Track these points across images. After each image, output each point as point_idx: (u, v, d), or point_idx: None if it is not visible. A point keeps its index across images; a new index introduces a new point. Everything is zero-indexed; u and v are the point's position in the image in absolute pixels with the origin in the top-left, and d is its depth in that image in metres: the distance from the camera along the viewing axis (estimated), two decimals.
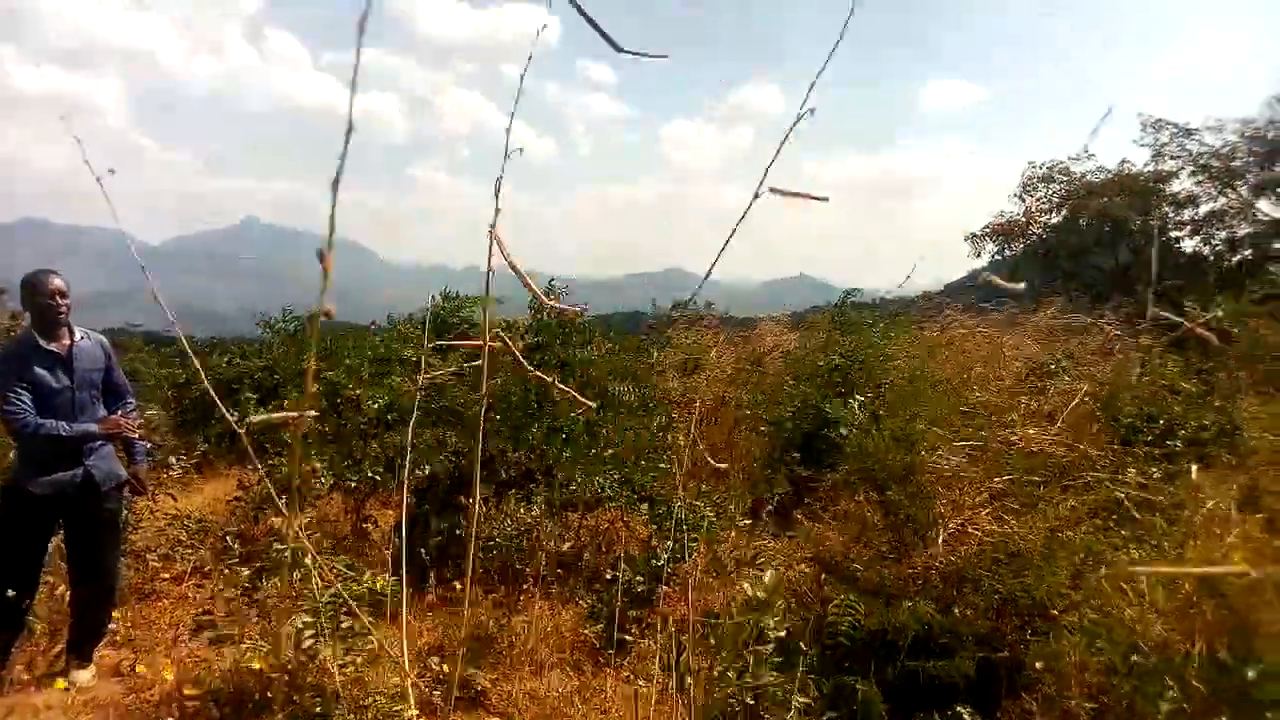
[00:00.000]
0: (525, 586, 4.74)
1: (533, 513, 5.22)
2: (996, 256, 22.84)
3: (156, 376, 13.49)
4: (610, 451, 6.05)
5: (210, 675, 3.72)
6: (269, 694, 3.46)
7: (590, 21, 1.05)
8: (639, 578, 4.74)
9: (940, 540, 3.94)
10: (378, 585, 3.78)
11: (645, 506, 5.80)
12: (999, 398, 6.08)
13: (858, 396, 6.66)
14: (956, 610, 3.61)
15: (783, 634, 2.90)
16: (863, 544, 4.23)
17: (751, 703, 3.01)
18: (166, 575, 5.37)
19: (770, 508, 6.72)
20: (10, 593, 3.91)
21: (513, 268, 1.54)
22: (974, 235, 22.74)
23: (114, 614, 4.47)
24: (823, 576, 4.15)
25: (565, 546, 5.31)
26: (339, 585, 3.66)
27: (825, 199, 1.34)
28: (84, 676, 4.11)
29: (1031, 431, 4.83)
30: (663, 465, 6.12)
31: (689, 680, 3.32)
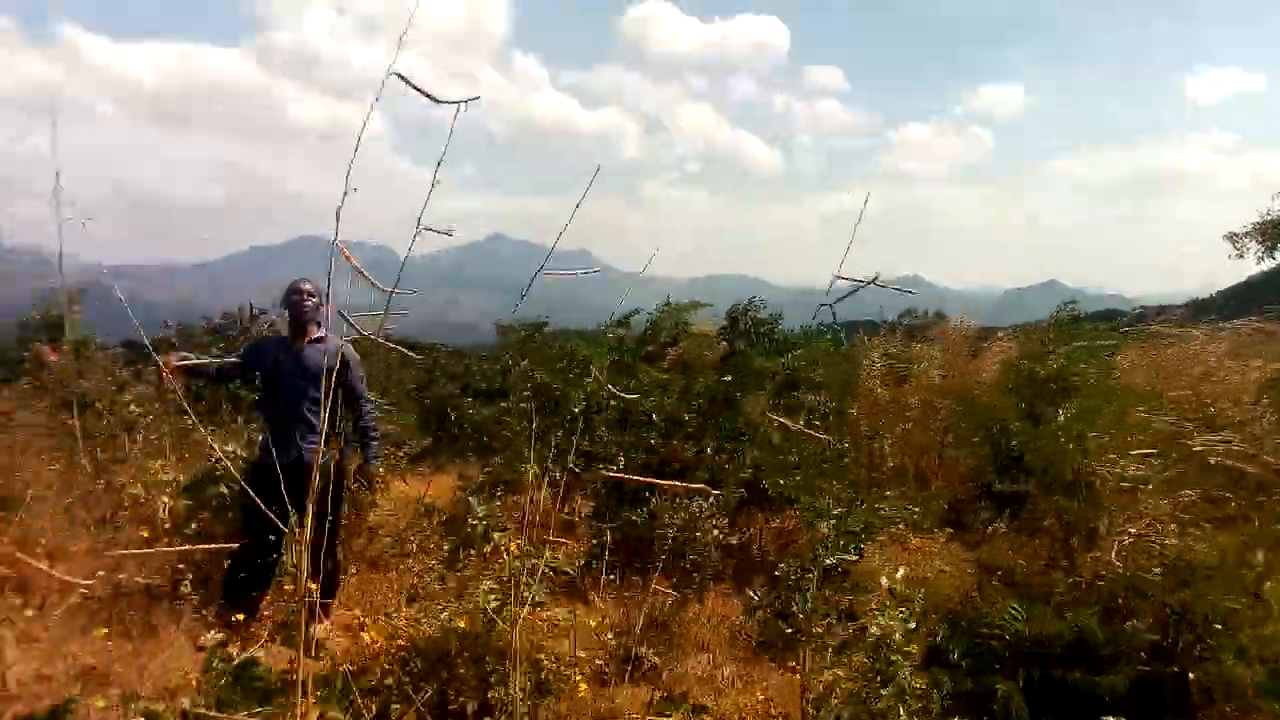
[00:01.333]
0: (696, 576, 5.01)
1: (708, 508, 5.45)
2: (1263, 257, 20.49)
3: (403, 378, 14.94)
4: (798, 456, 6.19)
5: (416, 634, 4.27)
6: (462, 652, 3.94)
7: (407, 81, 1.31)
8: (807, 574, 4.87)
9: (1114, 550, 3.82)
10: (559, 562, 4.21)
11: (828, 507, 5.89)
12: (1203, 410, 5.68)
13: (1059, 408, 6.43)
14: (1123, 622, 3.51)
15: (911, 626, 2.99)
16: (1032, 551, 4.16)
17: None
18: (394, 550, 6.08)
19: (972, 516, 6.61)
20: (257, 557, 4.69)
21: (360, 272, 1.82)
22: (1234, 235, 20.53)
23: (341, 579, 5.17)
24: (985, 581, 4.12)
25: (733, 540, 5.52)
26: (522, 560, 4.12)
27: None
28: (320, 629, 4.82)
29: (1224, 443, 4.52)
30: (844, 472, 6.18)
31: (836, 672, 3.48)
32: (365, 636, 4.50)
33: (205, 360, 5.23)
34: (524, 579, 3.99)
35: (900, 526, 6.17)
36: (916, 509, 6.00)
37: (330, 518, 4.99)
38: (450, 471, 10.54)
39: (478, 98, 1.42)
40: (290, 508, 4.76)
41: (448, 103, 1.38)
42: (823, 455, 6.53)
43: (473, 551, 4.35)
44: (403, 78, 1.27)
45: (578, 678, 3.84)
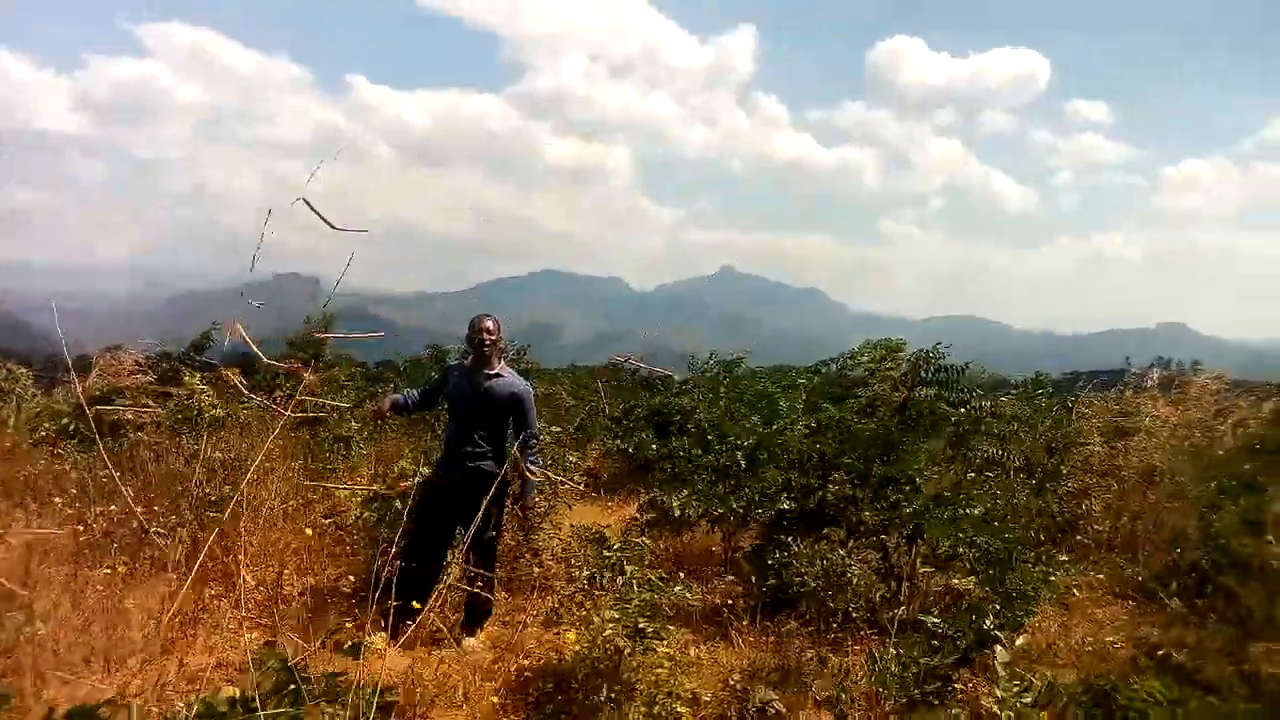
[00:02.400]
0: (834, 626, 4.86)
1: (848, 557, 5.27)
2: None
3: (610, 405, 15.49)
4: (969, 511, 5.88)
5: (548, 654, 4.46)
6: (581, 677, 4.07)
7: (310, 206, 1.39)
8: (960, 634, 4.60)
9: None
10: (682, 598, 4.26)
11: (990, 571, 5.54)
12: None
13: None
14: None
15: (1027, 701, 2.78)
16: (1203, 636, 3.71)
17: None
18: (551, 573, 6.31)
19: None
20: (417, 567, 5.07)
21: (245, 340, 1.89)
22: None
23: (493, 597, 5.44)
24: (1141, 658, 3.72)
25: (880, 594, 5.29)
26: (646, 593, 4.20)
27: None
28: (469, 643, 5.11)
29: None
30: (1013, 529, 5.77)
31: None
32: (494, 654, 4.75)
33: (405, 401, 5.76)
34: (644, 613, 4.07)
35: (1076, 593, 5.69)
36: (1101, 575, 5.52)
37: (490, 534, 5.32)
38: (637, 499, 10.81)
39: (365, 230, 1.56)
40: (453, 521, 5.13)
41: (343, 229, 1.52)
42: (997, 511, 6.16)
43: (607, 581, 4.47)
44: (307, 202, 1.41)
45: (688, 717, 3.84)
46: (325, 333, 12.82)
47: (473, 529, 5.16)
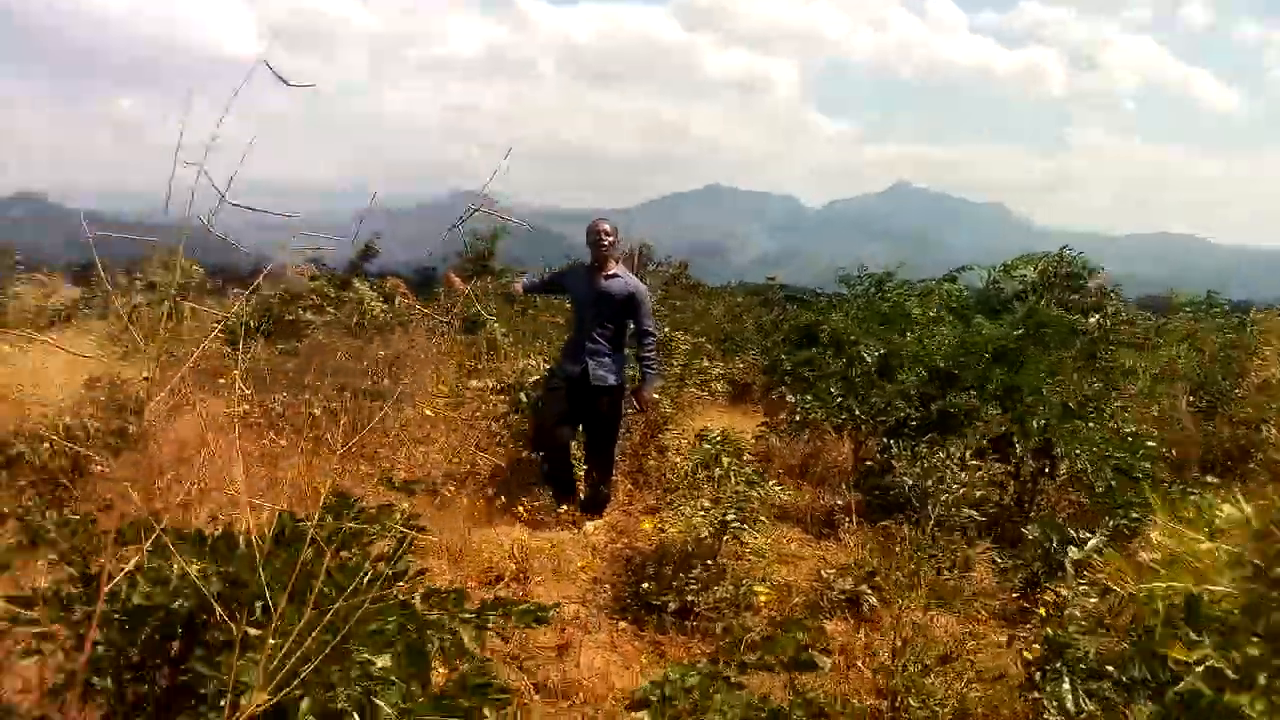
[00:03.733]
0: (936, 530, 4.90)
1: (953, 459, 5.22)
2: None
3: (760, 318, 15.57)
4: (1096, 424, 5.71)
5: (659, 538, 4.79)
6: (678, 558, 4.37)
7: (270, 69, 1.50)
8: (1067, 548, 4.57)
9: None
10: (774, 494, 4.47)
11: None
12: None
13: None
14: None
15: None
16: None
17: None
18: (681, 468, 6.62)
19: None
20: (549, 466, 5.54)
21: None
22: None
23: (612, 484, 5.81)
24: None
25: (990, 499, 5.27)
26: (741, 485, 4.43)
27: None
28: (589, 526, 5.50)
29: None
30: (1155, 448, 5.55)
31: None
32: (609, 536, 5.13)
33: (530, 281, 6.27)
34: (736, 505, 4.32)
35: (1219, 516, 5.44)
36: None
37: (607, 429, 5.67)
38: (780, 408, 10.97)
39: (313, 85, 1.73)
40: (574, 413, 5.51)
41: (296, 85, 1.68)
42: (1135, 426, 5.96)
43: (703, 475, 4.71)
44: (268, 65, 1.59)
45: (763, 596, 4.09)
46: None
47: (593, 428, 5.59)
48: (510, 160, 2.11)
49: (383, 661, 1.72)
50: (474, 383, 7.17)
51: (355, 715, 1.57)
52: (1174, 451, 6.37)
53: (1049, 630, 2.98)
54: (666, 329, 8.91)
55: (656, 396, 6.10)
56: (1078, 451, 5.19)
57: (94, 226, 1.87)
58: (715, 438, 4.64)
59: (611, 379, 5.53)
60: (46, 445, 3.54)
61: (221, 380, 6.64)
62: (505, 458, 6.27)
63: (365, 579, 1.70)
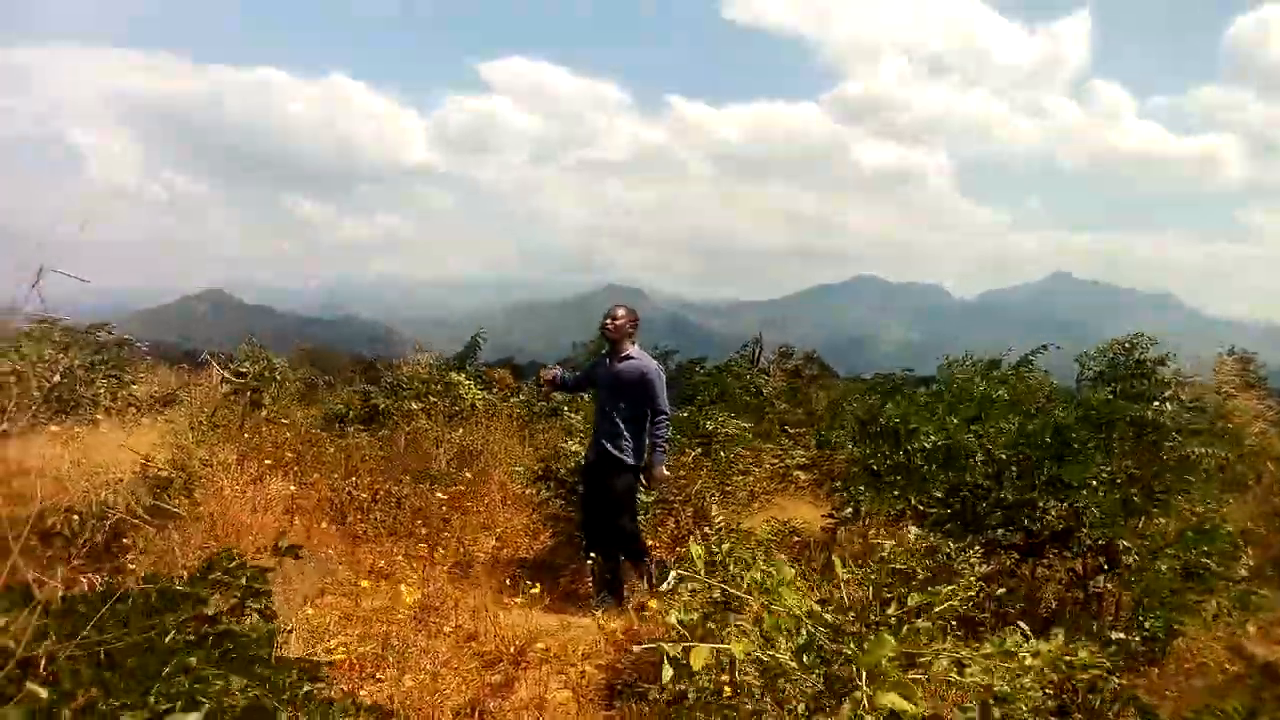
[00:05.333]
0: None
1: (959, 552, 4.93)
2: None
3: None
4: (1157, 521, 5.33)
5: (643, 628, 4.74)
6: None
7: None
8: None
9: None
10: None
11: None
12: None
13: None
14: None
15: None
16: None
17: None
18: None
19: None
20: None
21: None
22: None
23: (644, 568, 5.77)
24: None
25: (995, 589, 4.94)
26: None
27: None
28: (599, 614, 5.37)
29: None
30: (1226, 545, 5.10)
31: None
32: (620, 622, 5.09)
33: (562, 376, 6.40)
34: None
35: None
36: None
37: (614, 505, 5.66)
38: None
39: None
40: (596, 497, 5.58)
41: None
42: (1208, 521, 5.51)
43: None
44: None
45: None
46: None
47: (602, 503, 5.62)
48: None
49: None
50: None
51: None
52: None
53: None
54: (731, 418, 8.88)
55: (667, 473, 6.09)
56: (1127, 547, 4.84)
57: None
58: (720, 526, 4.60)
59: (623, 457, 5.59)
60: (76, 518, 3.87)
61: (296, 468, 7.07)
62: (547, 540, 6.37)
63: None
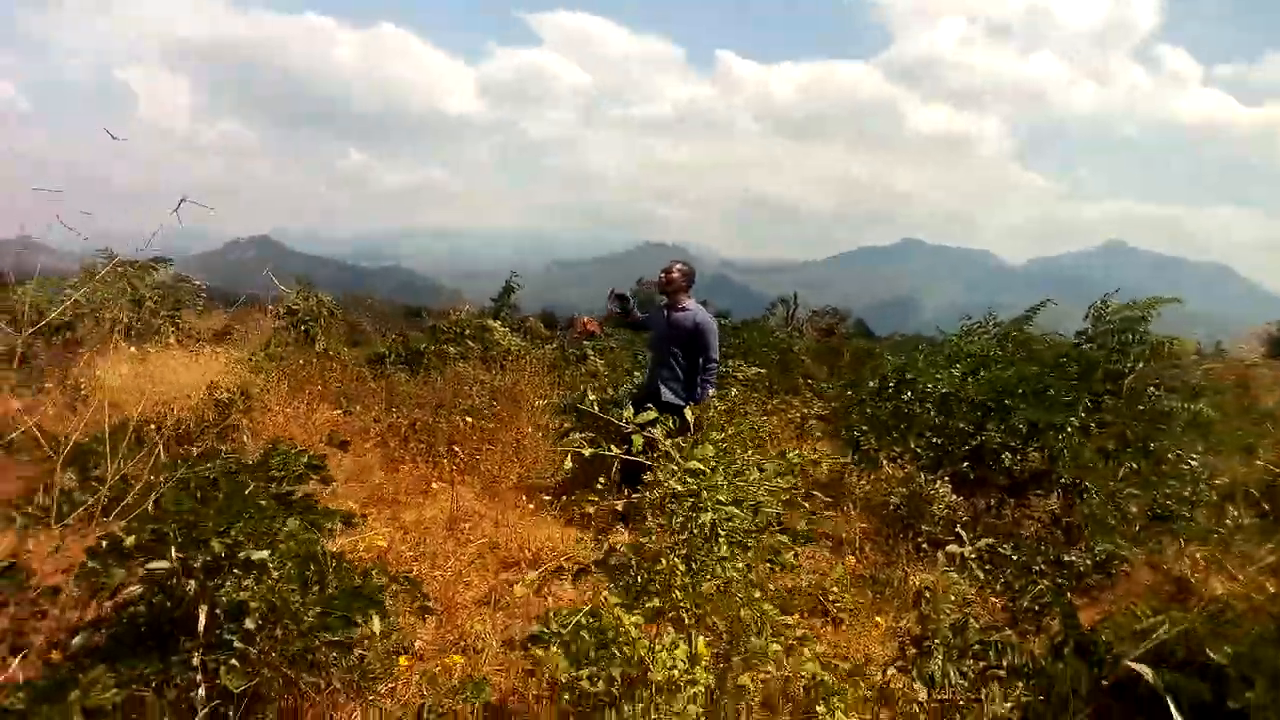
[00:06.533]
0: (921, 547, 5.12)
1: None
2: None
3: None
4: (1129, 466, 5.76)
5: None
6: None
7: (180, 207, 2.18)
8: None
9: None
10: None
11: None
12: None
13: None
14: None
15: None
16: None
17: None
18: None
19: None
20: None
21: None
22: None
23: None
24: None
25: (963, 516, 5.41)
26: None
27: None
28: (614, 535, 6.03)
29: None
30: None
31: None
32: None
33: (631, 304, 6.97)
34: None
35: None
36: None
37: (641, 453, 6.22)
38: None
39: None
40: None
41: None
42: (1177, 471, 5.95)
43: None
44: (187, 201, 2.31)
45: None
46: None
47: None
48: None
49: (258, 556, 2.42)
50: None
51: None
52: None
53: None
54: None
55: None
56: (1088, 485, 5.31)
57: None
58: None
59: (677, 400, 6.11)
60: (153, 427, 4.53)
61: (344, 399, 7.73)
62: (568, 467, 6.95)
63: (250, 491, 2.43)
